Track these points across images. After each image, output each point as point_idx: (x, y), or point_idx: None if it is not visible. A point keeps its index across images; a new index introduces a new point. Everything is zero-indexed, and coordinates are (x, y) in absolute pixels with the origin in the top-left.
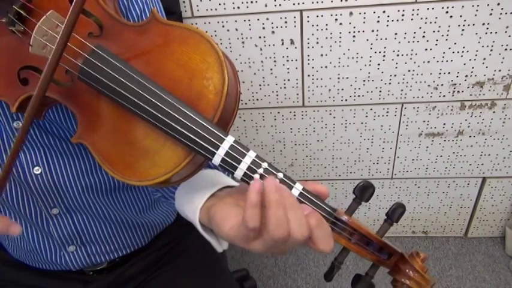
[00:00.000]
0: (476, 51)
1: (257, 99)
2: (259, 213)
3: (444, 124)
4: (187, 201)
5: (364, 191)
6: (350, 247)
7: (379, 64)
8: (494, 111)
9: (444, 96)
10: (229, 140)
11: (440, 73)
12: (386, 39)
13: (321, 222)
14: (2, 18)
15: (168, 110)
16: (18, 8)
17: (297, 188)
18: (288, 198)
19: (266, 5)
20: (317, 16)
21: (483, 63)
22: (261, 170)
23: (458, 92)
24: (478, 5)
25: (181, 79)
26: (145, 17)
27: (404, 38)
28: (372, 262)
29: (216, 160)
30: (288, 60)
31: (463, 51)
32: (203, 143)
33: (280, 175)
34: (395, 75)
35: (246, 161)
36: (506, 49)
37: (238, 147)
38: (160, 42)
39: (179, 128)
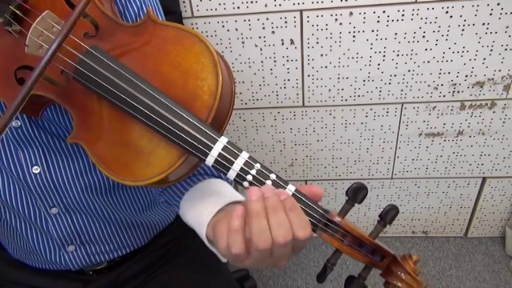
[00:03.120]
0: (476, 51)
1: (257, 99)
2: (241, 238)
3: (444, 124)
4: (193, 214)
5: (356, 193)
6: (343, 249)
7: (379, 64)
8: (494, 111)
9: (444, 96)
10: (222, 141)
11: (440, 73)
12: (386, 39)
13: (294, 207)
14: None
15: (162, 110)
16: (14, 8)
17: (290, 190)
18: (269, 201)
19: (266, 5)
20: (317, 16)
21: (483, 63)
22: (253, 171)
23: (458, 92)
24: (478, 5)
25: (175, 80)
26: (143, 15)
27: (404, 38)
28: (365, 264)
29: (209, 161)
30: (288, 60)
31: (463, 51)
32: (196, 144)
33: (273, 176)
34: (395, 75)
35: (239, 163)
36: (506, 49)
37: (231, 148)
38: (155, 42)
39: (173, 128)
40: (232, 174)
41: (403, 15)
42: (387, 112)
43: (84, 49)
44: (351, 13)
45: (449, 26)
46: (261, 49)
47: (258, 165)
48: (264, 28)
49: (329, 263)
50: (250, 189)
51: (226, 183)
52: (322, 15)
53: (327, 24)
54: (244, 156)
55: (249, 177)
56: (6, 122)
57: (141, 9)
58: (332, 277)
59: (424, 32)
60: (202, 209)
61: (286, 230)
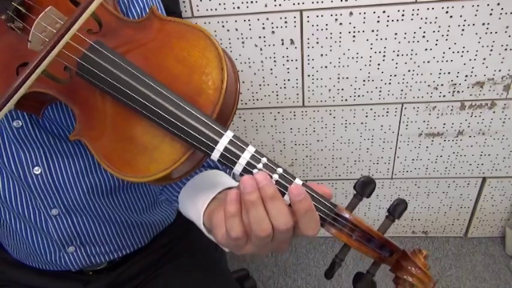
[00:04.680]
0: (476, 51)
1: (257, 99)
2: (239, 222)
3: (444, 124)
4: (190, 205)
5: (365, 187)
6: (351, 244)
7: (379, 64)
8: (494, 111)
9: (444, 96)
10: (228, 135)
11: (440, 73)
12: (386, 39)
13: (310, 208)
14: (1, 15)
15: (167, 105)
16: (17, 5)
17: (297, 184)
18: (266, 190)
19: (266, 5)
20: (317, 16)
21: (483, 63)
22: (260, 165)
23: (458, 92)
24: (478, 5)
25: (180, 74)
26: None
27: (404, 38)
28: (373, 259)
29: (215, 155)
30: (288, 60)
31: (463, 51)
32: (202, 138)
33: (280, 170)
34: (395, 75)
35: (245, 156)
36: (506, 49)
37: (238, 142)
38: (160, 37)
39: (178, 123)
40: (238, 168)
41: (403, 15)
42: (387, 112)
43: (88, 44)
44: (351, 13)
45: (449, 26)
46: (261, 49)
47: (264, 159)
48: (264, 28)
49: (337, 259)
50: (243, 179)
51: (222, 173)
52: (322, 15)
53: (327, 24)
54: (250, 150)
55: (256, 172)
56: None
57: (144, 10)
58: None
59: (424, 32)
60: (197, 200)
61: (287, 217)
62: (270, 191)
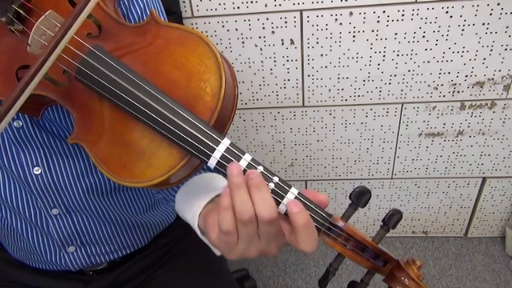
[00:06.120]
0: (476, 51)
1: (257, 99)
2: (231, 215)
3: (444, 124)
4: (186, 206)
5: (360, 197)
6: (345, 253)
7: (379, 64)
8: (494, 111)
9: (444, 96)
10: (225, 143)
11: (440, 73)
12: (386, 39)
13: (308, 223)
14: (2, 18)
15: (164, 111)
16: (17, 8)
17: (293, 193)
18: (253, 179)
19: (266, 5)
20: (317, 16)
21: (483, 63)
22: None
23: (458, 92)
24: (478, 5)
25: (178, 81)
26: (146, 16)
27: (404, 38)
28: (368, 269)
29: (212, 163)
30: (288, 60)
31: (463, 51)
32: (199, 146)
33: (276, 179)
34: (395, 75)
35: (242, 164)
36: (506, 49)
37: (234, 151)
38: (159, 43)
39: (174, 129)
40: None
41: (403, 15)
42: (387, 112)
43: (86, 49)
44: (351, 13)
45: (449, 26)
46: (261, 49)
47: (260, 168)
48: (264, 28)
49: (331, 268)
50: (230, 165)
51: (220, 176)
52: (322, 15)
53: (327, 24)
54: (247, 158)
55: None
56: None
57: (144, 11)
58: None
59: (424, 32)
60: (194, 201)
61: (271, 207)
62: (257, 180)
